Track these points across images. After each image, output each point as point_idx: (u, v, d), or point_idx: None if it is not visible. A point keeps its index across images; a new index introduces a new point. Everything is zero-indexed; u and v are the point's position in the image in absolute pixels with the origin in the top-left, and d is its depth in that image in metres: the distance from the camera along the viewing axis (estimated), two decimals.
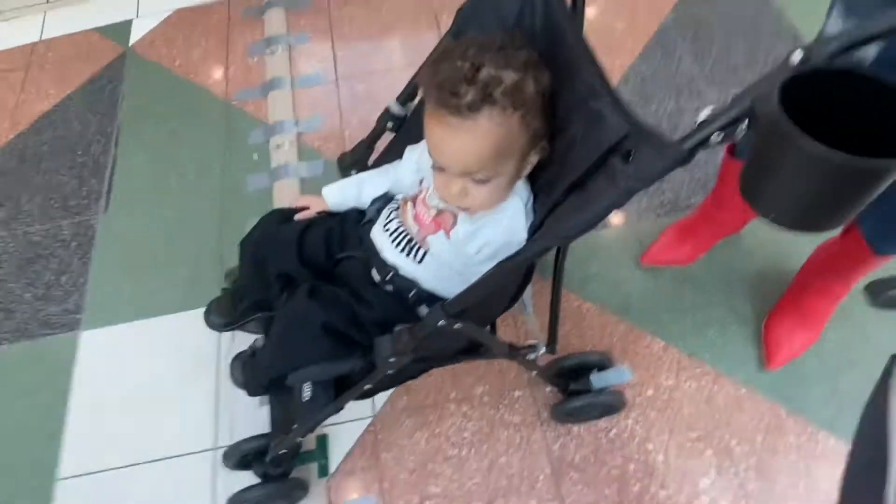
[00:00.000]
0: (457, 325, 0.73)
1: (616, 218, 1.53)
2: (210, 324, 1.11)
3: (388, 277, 0.86)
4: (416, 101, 0.93)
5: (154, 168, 1.73)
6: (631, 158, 0.56)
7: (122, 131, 1.81)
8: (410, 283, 0.85)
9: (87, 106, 1.89)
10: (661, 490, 1.18)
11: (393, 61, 1.90)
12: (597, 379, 1.12)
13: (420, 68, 0.87)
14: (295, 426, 0.98)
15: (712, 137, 0.51)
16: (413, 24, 1.99)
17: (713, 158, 1.58)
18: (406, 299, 0.86)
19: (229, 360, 1.36)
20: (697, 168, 1.57)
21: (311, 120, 1.77)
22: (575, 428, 1.25)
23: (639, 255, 1.45)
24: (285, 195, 1.61)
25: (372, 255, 0.88)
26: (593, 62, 0.66)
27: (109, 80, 1.94)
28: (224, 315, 1.09)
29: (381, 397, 1.31)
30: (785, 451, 1.20)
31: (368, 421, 1.29)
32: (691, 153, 0.52)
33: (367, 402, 1.31)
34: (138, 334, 1.45)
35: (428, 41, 1.94)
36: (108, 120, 1.84)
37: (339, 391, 0.94)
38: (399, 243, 0.86)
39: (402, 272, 0.86)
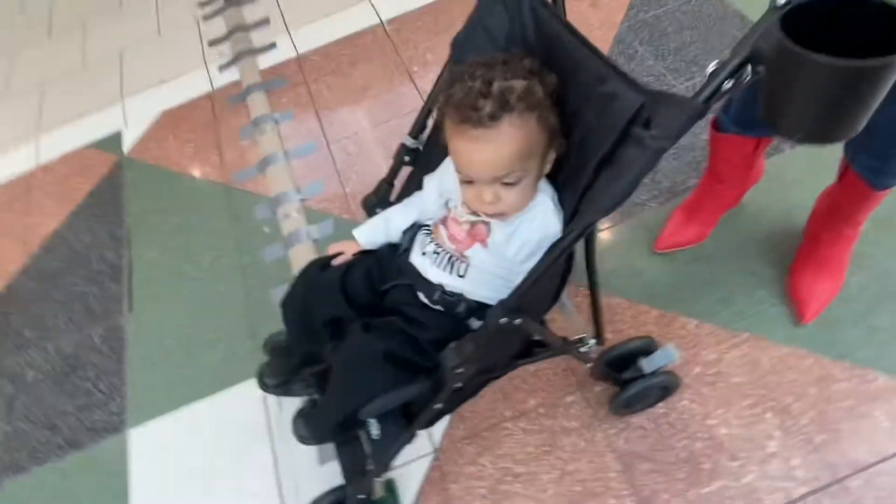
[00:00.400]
0: (517, 321, 0.76)
1: (619, 213, 1.58)
2: (264, 387, 1.13)
3: (435, 297, 0.89)
4: (427, 133, 0.99)
5: (169, 261, 1.78)
6: (652, 123, 0.62)
7: (132, 234, 1.87)
8: (458, 298, 0.89)
9: (93, 218, 1.95)
10: (732, 462, 1.19)
11: (376, 117, 2.00)
12: (647, 363, 1.15)
13: (427, 100, 0.94)
14: (370, 467, 0.99)
15: (723, 86, 0.57)
16: (388, 81, 2.10)
17: (699, 141, 1.66)
18: (456, 315, 0.89)
19: (280, 427, 1.39)
20: (685, 153, 1.65)
21: (313, 186, 1.84)
22: (634, 420, 1.26)
23: (651, 244, 1.50)
24: (302, 258, 1.66)
25: (416, 280, 0.92)
26: (595, 52, 0.73)
27: (110, 190, 2.01)
28: (276, 375, 1.11)
29: (439, 431, 1.32)
30: (840, 398, 1.22)
31: (431, 457, 1.29)
32: (706, 104, 0.58)
33: (426, 439, 1.31)
34: (185, 421, 1.45)
35: (406, 93, 2.04)
36: (116, 226, 1.90)
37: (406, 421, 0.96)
38: (440, 263, 0.90)
39: (448, 289, 0.89)
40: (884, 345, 1.26)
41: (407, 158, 1.00)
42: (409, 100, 2.01)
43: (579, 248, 0.98)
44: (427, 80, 2.05)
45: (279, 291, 1.62)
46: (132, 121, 2.22)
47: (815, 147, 0.56)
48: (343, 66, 2.19)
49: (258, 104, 2.11)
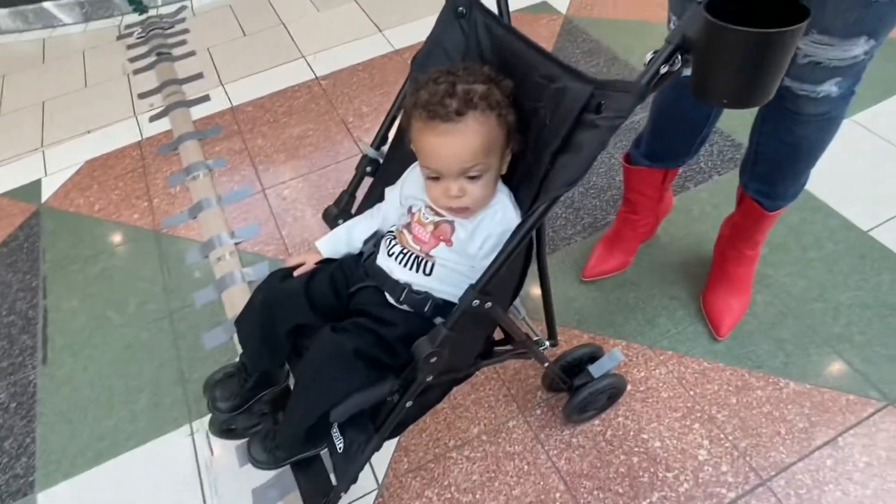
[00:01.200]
0: (487, 304, 0.79)
1: (548, 247, 1.67)
2: (216, 410, 1.07)
3: (402, 296, 0.91)
4: (388, 146, 1.04)
5: (90, 309, 1.68)
6: (602, 107, 0.70)
7: (48, 282, 1.76)
8: (425, 296, 0.91)
9: (4, 268, 1.82)
10: (667, 473, 1.23)
11: (313, 164, 2.04)
12: (595, 368, 1.20)
13: (391, 109, 1.00)
14: (336, 483, 0.95)
15: (661, 70, 0.66)
16: (324, 131, 2.16)
17: (615, 182, 1.81)
18: (423, 314, 0.91)
19: (212, 476, 1.31)
20: (603, 192, 1.79)
21: (247, 229, 1.83)
22: (574, 439, 1.29)
23: (579, 273, 1.59)
24: (236, 301, 1.62)
25: (383, 281, 0.94)
26: (544, 54, 0.82)
27: (26, 238, 1.90)
28: (231, 397, 1.06)
29: (381, 465, 1.29)
30: (758, 405, 1.31)
31: (374, 494, 1.26)
32: (648, 86, 0.67)
33: (369, 475, 1.28)
34: (106, 478, 1.34)
35: (342, 142, 2.10)
36: (30, 276, 1.79)
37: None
38: (406, 262, 0.92)
39: (415, 288, 0.92)
40: (790, 354, 1.38)
41: (368, 169, 1.04)
42: (346, 148, 2.07)
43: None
44: (363, 130, 2.13)
45: (211, 336, 1.58)
46: (53, 169, 2.14)
47: (738, 110, 0.70)
48: (279, 116, 2.23)
49: (190, 152, 2.10)
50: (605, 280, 1.57)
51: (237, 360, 1.14)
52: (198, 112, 2.29)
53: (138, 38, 2.81)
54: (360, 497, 1.25)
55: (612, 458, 1.26)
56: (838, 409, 1.29)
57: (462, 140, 0.81)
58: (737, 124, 1.91)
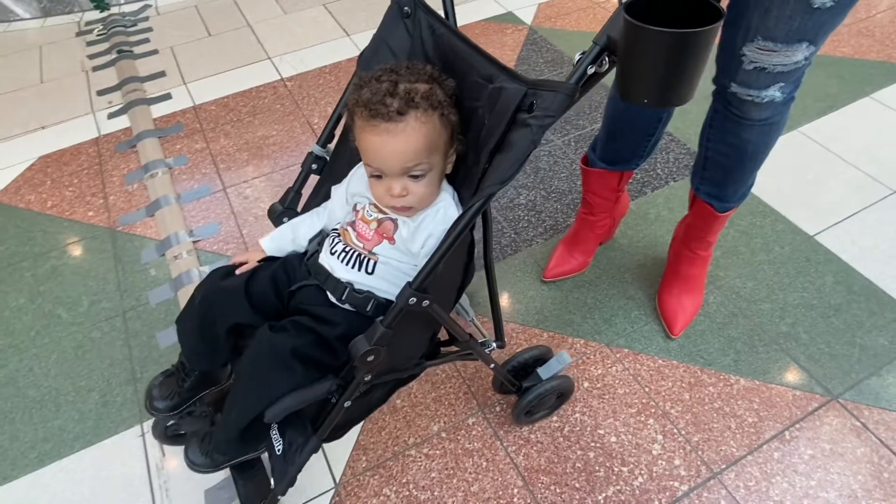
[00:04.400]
0: (425, 302, 0.78)
1: (511, 248, 1.70)
2: (154, 410, 1.04)
3: (344, 295, 0.90)
4: (334, 144, 1.04)
5: (39, 307, 1.62)
6: (535, 107, 0.72)
7: None
8: (367, 295, 0.90)
9: None
10: (623, 468, 1.25)
11: (276, 163, 2.02)
12: (543, 370, 1.21)
13: (336, 107, 0.99)
14: (272, 486, 0.93)
15: (588, 70, 0.68)
16: (288, 131, 2.14)
17: (575, 187, 1.85)
18: (365, 313, 0.90)
19: (163, 478, 1.27)
20: (564, 196, 1.83)
21: (207, 227, 1.80)
22: (532, 435, 1.31)
23: (540, 274, 1.61)
24: None
25: (324, 279, 0.92)
26: (483, 55, 0.83)
27: None
28: (169, 397, 1.03)
29: (339, 464, 1.28)
30: (710, 401, 1.35)
31: (332, 493, 1.24)
32: (577, 85, 0.69)
33: (326, 474, 1.26)
34: (49, 481, 1.28)
35: (306, 142, 2.09)
36: None
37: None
38: (349, 260, 0.92)
39: (357, 286, 0.91)
40: (740, 352, 1.43)
41: (314, 166, 1.03)
42: (310, 148, 2.06)
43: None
44: None
45: (165, 335, 1.54)
46: (4, 165, 2.06)
47: (660, 109, 0.70)
48: (242, 116, 2.21)
49: (149, 150, 2.05)
50: (566, 280, 1.60)
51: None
52: (159, 110, 2.25)
53: (99, 35, 2.74)
54: (317, 496, 1.23)
55: (570, 453, 1.28)
56: (785, 405, 1.34)
57: (403, 139, 0.81)
58: (692, 133, 1.98)
